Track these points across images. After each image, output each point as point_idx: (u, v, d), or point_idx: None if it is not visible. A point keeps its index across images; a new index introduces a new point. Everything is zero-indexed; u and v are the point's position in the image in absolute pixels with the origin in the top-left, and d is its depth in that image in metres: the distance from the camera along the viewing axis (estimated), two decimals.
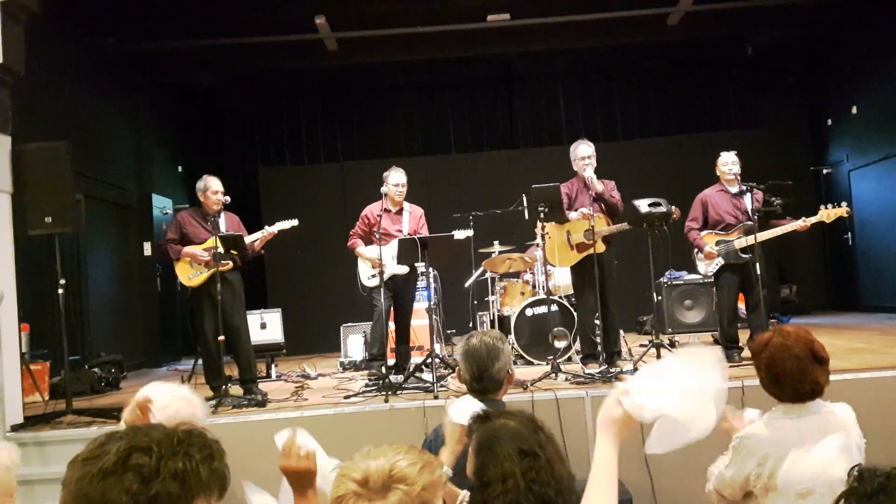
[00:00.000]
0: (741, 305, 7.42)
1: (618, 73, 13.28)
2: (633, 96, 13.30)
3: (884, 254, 11.47)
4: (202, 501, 1.51)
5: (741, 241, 6.80)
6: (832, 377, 5.61)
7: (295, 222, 6.95)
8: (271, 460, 5.65)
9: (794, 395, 3.08)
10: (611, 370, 6.28)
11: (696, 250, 7.09)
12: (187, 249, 6.67)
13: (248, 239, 6.77)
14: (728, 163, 7.04)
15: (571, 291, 8.18)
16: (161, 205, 11.38)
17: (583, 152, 7.12)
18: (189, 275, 6.68)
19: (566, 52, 12.71)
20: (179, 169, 12.79)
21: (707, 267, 7.04)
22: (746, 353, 6.83)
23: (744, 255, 6.81)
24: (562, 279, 8.24)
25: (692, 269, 7.86)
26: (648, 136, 12.83)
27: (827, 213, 6.71)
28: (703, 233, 7.04)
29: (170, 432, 1.53)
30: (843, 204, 6.78)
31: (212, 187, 6.77)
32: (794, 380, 3.06)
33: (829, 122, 12.92)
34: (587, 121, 13.10)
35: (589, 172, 6.91)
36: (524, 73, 13.45)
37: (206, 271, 6.59)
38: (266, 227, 6.90)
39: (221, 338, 6.30)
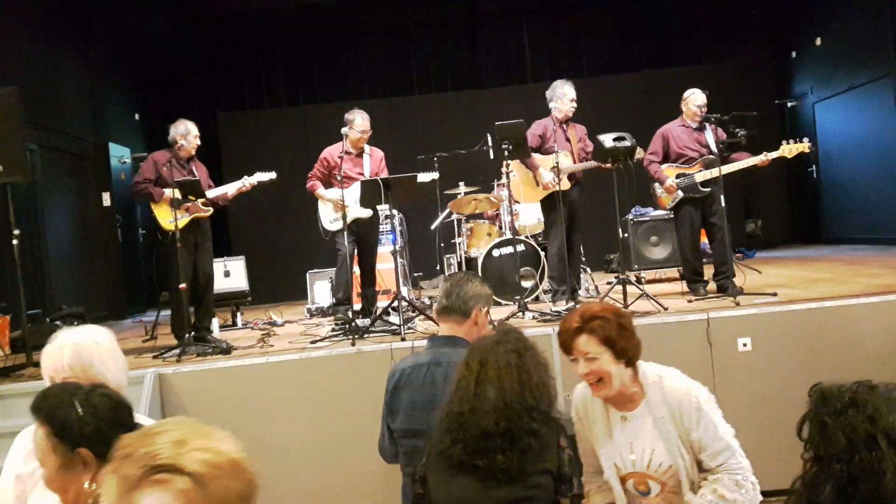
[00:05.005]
0: (705, 241, 7.43)
1: (581, 9, 13.11)
2: (597, 33, 13.18)
3: (848, 185, 11.54)
4: None
5: (702, 175, 6.78)
6: (798, 306, 5.71)
7: (273, 175, 6.76)
8: (236, 406, 5.62)
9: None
10: (577, 306, 6.26)
11: (655, 184, 7.06)
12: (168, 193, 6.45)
13: (225, 188, 6.69)
14: (700, 103, 6.95)
15: (538, 231, 8.17)
16: (118, 154, 11.13)
17: (571, 93, 7.08)
18: (170, 218, 6.42)
19: None
20: (136, 117, 12.50)
21: (664, 196, 7.03)
22: (712, 286, 6.87)
23: (704, 189, 6.79)
24: (528, 219, 8.20)
25: (657, 205, 7.84)
26: (613, 73, 12.72)
27: (788, 149, 6.68)
28: (664, 166, 7.00)
29: None
30: (805, 140, 6.76)
31: (192, 131, 6.60)
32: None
33: (794, 54, 12.87)
34: (552, 59, 12.97)
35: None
36: (488, 12, 13.23)
37: (188, 215, 6.45)
38: (245, 177, 6.73)
39: (183, 286, 6.19)
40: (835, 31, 11.59)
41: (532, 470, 2.67)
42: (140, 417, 3.06)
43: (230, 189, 6.70)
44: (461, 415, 2.70)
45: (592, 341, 2.86)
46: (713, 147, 6.81)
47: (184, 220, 6.41)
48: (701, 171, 6.82)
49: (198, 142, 6.65)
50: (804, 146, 6.69)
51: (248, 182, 6.71)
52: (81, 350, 2.82)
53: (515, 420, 2.64)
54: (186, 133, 6.60)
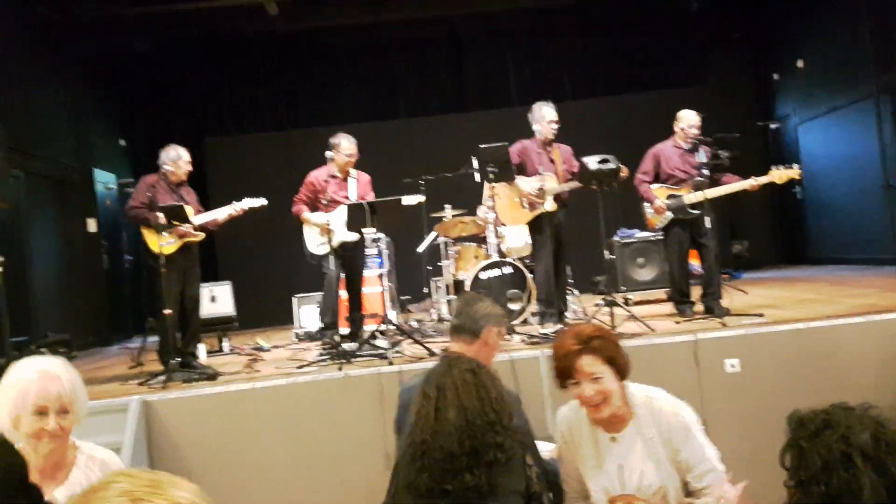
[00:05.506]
0: (695, 263, 7.45)
1: (564, 32, 13.19)
2: (581, 56, 13.23)
3: (831, 206, 11.62)
4: None
5: (691, 197, 6.79)
6: (785, 327, 5.70)
7: (264, 201, 6.74)
8: (222, 432, 5.56)
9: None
10: (563, 329, 6.26)
11: (645, 203, 7.07)
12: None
13: (215, 213, 6.65)
14: (694, 126, 6.98)
15: (525, 253, 8.16)
16: (104, 180, 11.10)
17: (550, 115, 7.06)
18: (160, 242, 6.37)
19: (512, 11, 12.60)
20: (122, 142, 12.47)
21: (653, 217, 7.04)
22: (699, 307, 6.88)
23: (693, 211, 6.81)
24: (514, 241, 8.19)
25: (644, 226, 7.86)
26: (597, 96, 12.80)
27: (778, 175, 6.63)
28: (654, 186, 7.02)
29: None
30: (795, 166, 6.73)
31: (184, 157, 6.63)
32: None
33: (776, 76, 12.99)
34: (536, 82, 13.02)
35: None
36: (471, 35, 13.30)
37: (179, 240, 6.42)
38: (234, 202, 6.71)
39: (168, 311, 6.14)
40: (816, 53, 11.71)
41: (501, 484, 2.65)
42: (98, 449, 3.00)
43: (220, 214, 6.67)
44: (424, 442, 2.66)
45: (597, 361, 2.84)
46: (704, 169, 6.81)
47: (174, 244, 6.39)
48: (690, 192, 6.83)
49: (189, 167, 6.67)
50: (795, 172, 6.65)
51: (238, 207, 6.68)
52: (72, 377, 2.81)
53: (479, 436, 2.63)
54: (178, 158, 6.60)
